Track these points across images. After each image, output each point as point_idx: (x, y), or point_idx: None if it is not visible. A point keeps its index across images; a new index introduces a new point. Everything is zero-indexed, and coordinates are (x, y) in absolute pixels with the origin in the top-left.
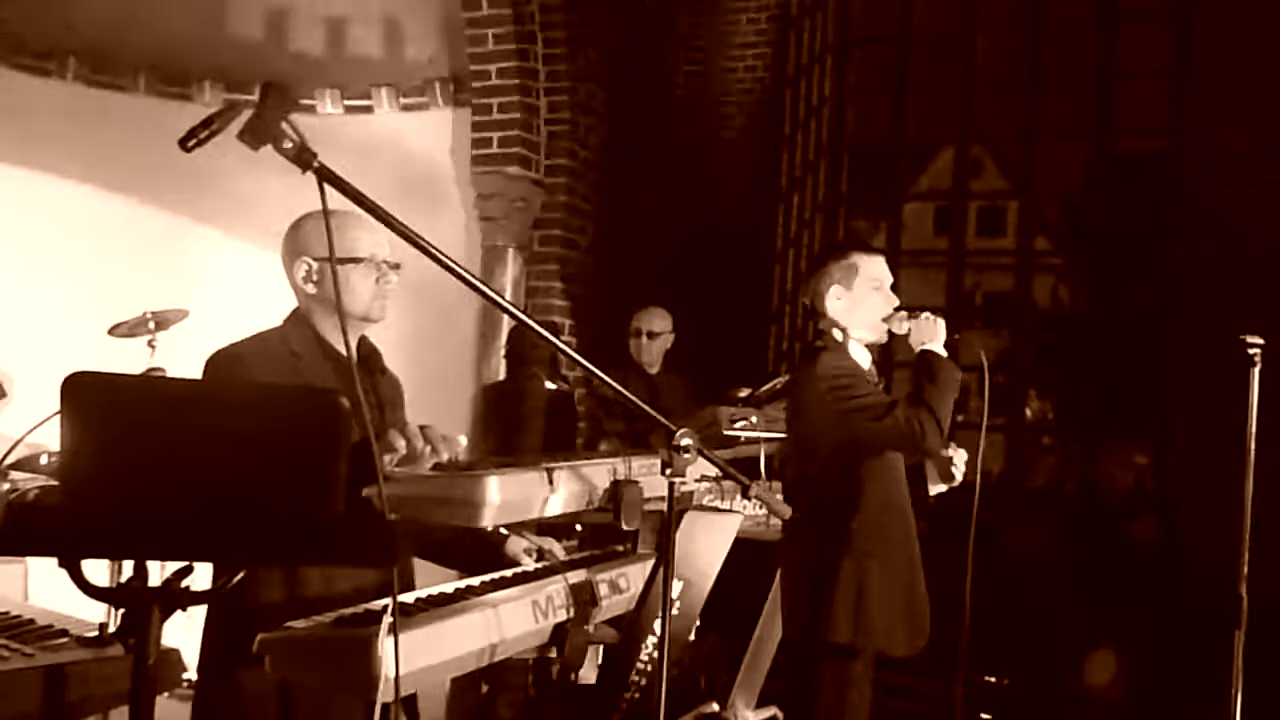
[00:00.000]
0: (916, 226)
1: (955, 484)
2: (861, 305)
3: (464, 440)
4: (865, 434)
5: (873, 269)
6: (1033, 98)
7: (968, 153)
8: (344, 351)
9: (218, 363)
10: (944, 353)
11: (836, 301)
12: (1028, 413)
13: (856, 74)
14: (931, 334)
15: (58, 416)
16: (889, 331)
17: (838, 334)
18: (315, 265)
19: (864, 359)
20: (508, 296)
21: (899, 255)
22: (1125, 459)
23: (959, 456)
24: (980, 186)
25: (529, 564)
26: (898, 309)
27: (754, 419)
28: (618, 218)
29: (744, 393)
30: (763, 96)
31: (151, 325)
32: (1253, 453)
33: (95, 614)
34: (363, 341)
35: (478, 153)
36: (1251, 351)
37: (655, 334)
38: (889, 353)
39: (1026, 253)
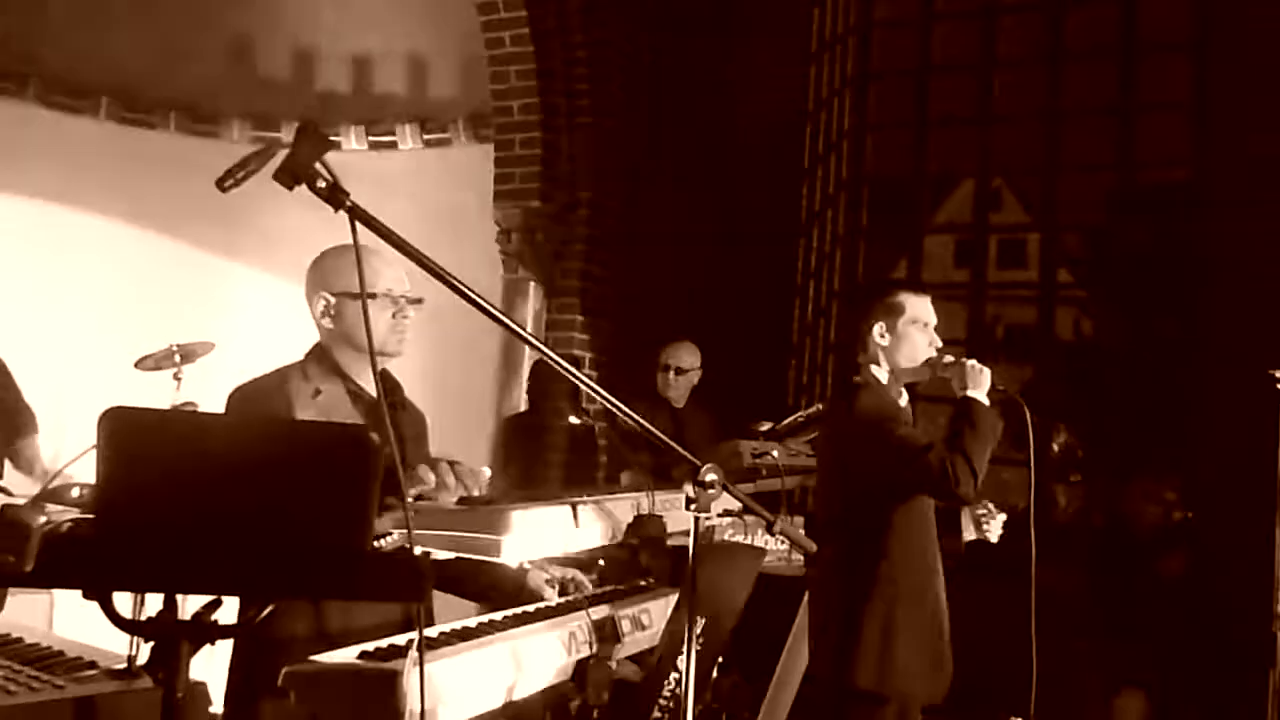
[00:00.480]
0: (937, 259)
1: (990, 540)
2: (905, 345)
3: (488, 473)
4: (899, 476)
5: (918, 309)
6: (1053, 129)
7: (988, 185)
8: (364, 385)
9: (238, 398)
10: (986, 401)
11: (880, 339)
12: (1054, 447)
13: (876, 107)
14: (975, 381)
15: (90, 448)
16: (931, 373)
17: (879, 372)
18: (334, 300)
19: (901, 398)
20: (529, 329)
21: None
22: (1152, 493)
23: (996, 522)
24: (1001, 219)
25: (550, 596)
26: (941, 351)
27: (775, 453)
28: (638, 251)
29: (766, 426)
30: (783, 130)
31: (177, 358)
32: None
33: (119, 646)
34: (385, 375)
35: (500, 188)
36: None
37: (684, 370)
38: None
39: (1049, 285)
